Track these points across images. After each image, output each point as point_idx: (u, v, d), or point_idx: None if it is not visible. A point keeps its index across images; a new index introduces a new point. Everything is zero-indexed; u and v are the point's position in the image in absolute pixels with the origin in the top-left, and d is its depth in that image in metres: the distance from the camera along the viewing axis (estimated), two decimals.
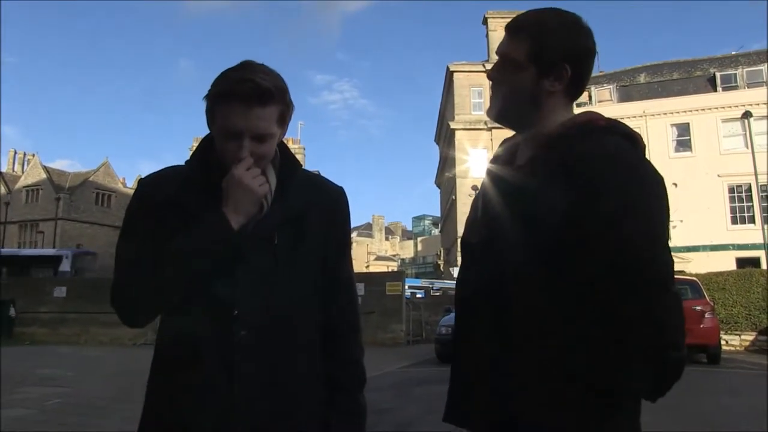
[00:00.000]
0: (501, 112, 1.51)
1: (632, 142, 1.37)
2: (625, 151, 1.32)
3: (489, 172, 1.57)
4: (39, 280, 28.97)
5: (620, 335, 1.20)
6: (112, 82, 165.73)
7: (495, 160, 1.58)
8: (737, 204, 31.29)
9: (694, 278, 17.02)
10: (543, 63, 1.42)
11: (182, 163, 1.64)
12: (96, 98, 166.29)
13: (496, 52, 1.50)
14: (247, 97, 1.46)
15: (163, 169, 1.67)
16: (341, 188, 1.73)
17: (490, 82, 1.52)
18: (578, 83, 1.47)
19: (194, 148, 1.66)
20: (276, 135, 1.55)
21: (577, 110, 1.50)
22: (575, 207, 1.24)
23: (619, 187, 1.25)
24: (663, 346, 1.21)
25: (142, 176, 1.65)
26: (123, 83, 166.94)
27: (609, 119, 1.41)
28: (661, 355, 1.21)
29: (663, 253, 1.25)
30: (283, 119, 1.56)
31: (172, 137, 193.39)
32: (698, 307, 14.37)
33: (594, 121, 1.41)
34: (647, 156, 1.40)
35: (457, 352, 1.48)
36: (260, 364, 1.49)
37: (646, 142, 1.43)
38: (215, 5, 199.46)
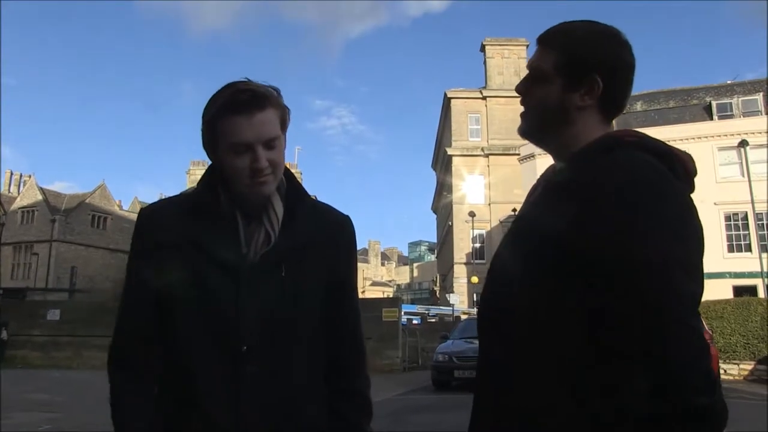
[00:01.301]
0: (528, 128, 1.40)
1: (666, 159, 1.22)
2: (646, 165, 1.17)
3: (525, 198, 1.48)
4: (32, 302, 28.76)
5: (622, 378, 1.07)
6: (112, 105, 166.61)
7: (535, 185, 1.46)
8: (734, 232, 31.35)
9: None
10: (571, 74, 1.31)
11: (178, 187, 1.61)
12: (95, 120, 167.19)
13: (526, 66, 1.42)
14: (247, 106, 1.45)
15: (163, 200, 1.66)
16: (348, 217, 1.70)
17: (519, 96, 1.40)
18: (613, 98, 1.34)
19: (190, 172, 1.65)
20: (282, 139, 1.53)
21: None
22: (582, 227, 1.14)
23: (631, 205, 1.11)
24: (674, 391, 1.03)
25: (139, 199, 1.64)
26: (122, 105, 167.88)
27: (642, 135, 1.27)
28: (673, 403, 1.02)
29: (680, 281, 1.08)
30: (284, 123, 1.54)
31: (170, 160, 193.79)
32: None
33: (623, 136, 1.28)
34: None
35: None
36: (268, 399, 1.46)
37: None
38: (217, 28, 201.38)
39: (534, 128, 1.39)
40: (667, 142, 1.27)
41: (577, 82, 1.31)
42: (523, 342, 1.22)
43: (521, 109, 1.42)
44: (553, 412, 1.16)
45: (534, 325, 1.21)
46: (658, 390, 1.03)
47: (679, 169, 1.24)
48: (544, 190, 1.34)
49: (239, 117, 1.45)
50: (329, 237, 1.61)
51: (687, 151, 1.29)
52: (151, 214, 1.59)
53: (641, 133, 1.29)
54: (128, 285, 1.57)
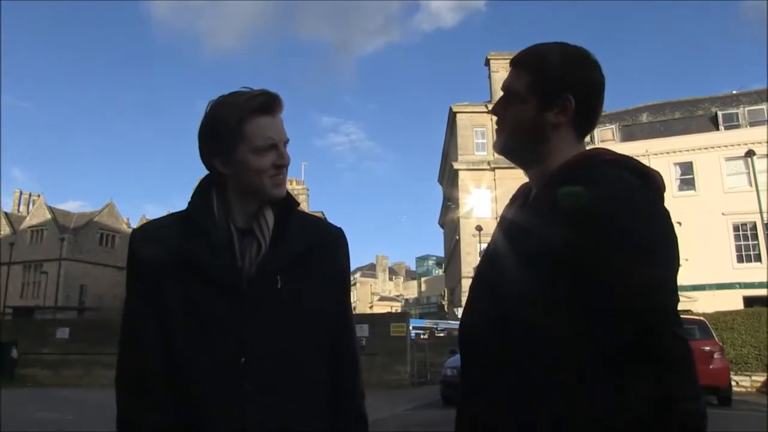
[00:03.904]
0: (506, 147, 1.45)
1: (644, 178, 1.28)
2: (629, 185, 1.23)
3: (502, 214, 1.52)
4: (42, 321, 28.83)
5: (617, 389, 1.13)
6: (121, 124, 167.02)
7: (511, 200, 1.53)
8: (743, 242, 31.19)
9: (702, 318, 16.86)
10: (544, 94, 1.37)
11: (185, 204, 1.61)
12: (103, 139, 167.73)
13: (501, 88, 1.47)
14: (269, 108, 1.50)
15: (155, 219, 1.65)
16: (340, 229, 1.70)
17: (495, 118, 1.47)
18: (586, 116, 1.40)
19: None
20: None
21: None
22: (570, 244, 1.18)
23: (619, 223, 1.17)
24: (671, 397, 1.12)
25: (147, 216, 1.64)
26: (130, 124, 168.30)
27: (619, 154, 1.34)
28: (671, 409, 1.12)
29: (672, 298, 1.20)
30: None
31: (177, 178, 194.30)
32: (707, 348, 14.19)
33: (601, 155, 1.34)
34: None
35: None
36: (268, 412, 1.45)
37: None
38: (228, 47, 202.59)
39: (511, 145, 1.45)
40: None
41: (550, 100, 1.37)
42: (526, 348, 1.22)
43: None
44: (556, 417, 1.17)
45: (536, 335, 1.21)
46: (660, 399, 1.12)
47: (653, 186, 1.29)
48: (536, 203, 1.37)
49: (266, 117, 1.50)
50: (323, 248, 1.60)
51: (656, 169, 1.34)
52: (143, 234, 1.59)
53: (616, 152, 1.36)
54: (127, 309, 1.55)
